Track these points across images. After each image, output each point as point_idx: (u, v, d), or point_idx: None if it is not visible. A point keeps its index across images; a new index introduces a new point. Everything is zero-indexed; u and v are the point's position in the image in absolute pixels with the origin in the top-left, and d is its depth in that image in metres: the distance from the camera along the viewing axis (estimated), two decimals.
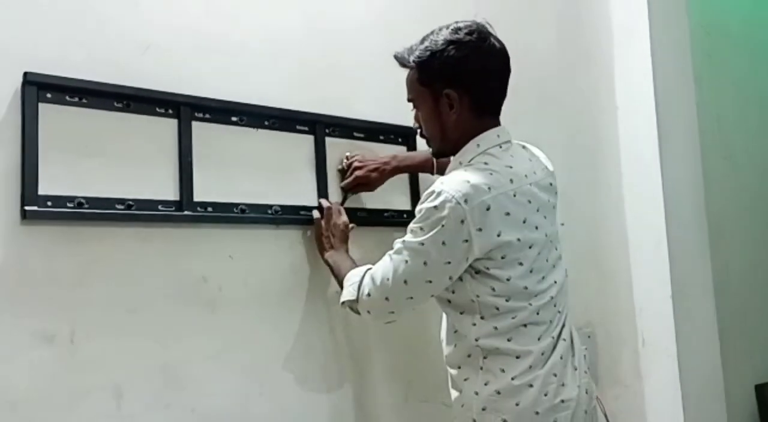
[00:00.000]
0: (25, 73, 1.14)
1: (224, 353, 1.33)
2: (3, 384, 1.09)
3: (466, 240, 1.15)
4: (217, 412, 1.31)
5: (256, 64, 1.44)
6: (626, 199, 2.11)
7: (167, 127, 1.31)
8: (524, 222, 1.21)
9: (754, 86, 2.52)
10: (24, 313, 1.12)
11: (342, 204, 1.50)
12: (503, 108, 1.31)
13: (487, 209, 1.15)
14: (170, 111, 1.31)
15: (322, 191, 1.51)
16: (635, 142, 2.08)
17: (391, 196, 1.61)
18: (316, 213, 1.45)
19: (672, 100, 2.07)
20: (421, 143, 1.41)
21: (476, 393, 1.22)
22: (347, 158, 1.54)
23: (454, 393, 1.28)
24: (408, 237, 1.22)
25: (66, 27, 1.21)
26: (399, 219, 1.60)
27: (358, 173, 1.52)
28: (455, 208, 1.14)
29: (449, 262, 1.17)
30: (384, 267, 1.24)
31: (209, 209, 1.33)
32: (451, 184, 1.17)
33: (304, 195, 1.48)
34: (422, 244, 1.18)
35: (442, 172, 1.36)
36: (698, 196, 2.09)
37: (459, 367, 1.26)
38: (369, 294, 1.25)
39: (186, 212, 1.30)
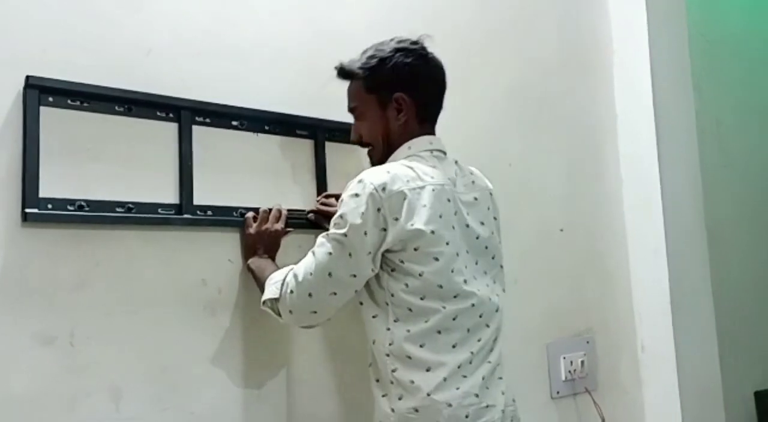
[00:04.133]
0: (27, 77, 1.15)
1: (223, 356, 1.33)
2: (3, 385, 1.09)
3: (384, 229, 1.16)
4: (215, 415, 1.31)
5: (256, 68, 1.45)
6: (626, 205, 2.12)
7: (168, 130, 1.32)
8: (440, 216, 1.19)
9: (753, 93, 2.53)
10: (24, 315, 1.13)
11: (290, 218, 1.42)
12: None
13: (404, 199, 1.16)
14: (171, 115, 1.32)
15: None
16: (635, 149, 2.09)
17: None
18: (249, 214, 1.37)
19: (671, 107, 2.08)
20: None
21: (392, 410, 1.18)
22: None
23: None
24: (332, 229, 1.20)
25: (68, 31, 1.22)
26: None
27: (323, 209, 1.46)
28: (372, 195, 1.15)
29: (369, 252, 1.16)
30: (306, 262, 1.20)
31: (209, 213, 1.34)
32: (370, 174, 1.19)
33: (304, 199, 1.49)
34: (345, 235, 1.16)
35: None
36: (697, 203, 2.09)
37: (377, 380, 1.23)
38: (291, 292, 1.19)
39: (186, 215, 1.31)
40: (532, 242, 1.89)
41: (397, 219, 1.15)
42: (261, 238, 1.35)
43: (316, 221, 1.46)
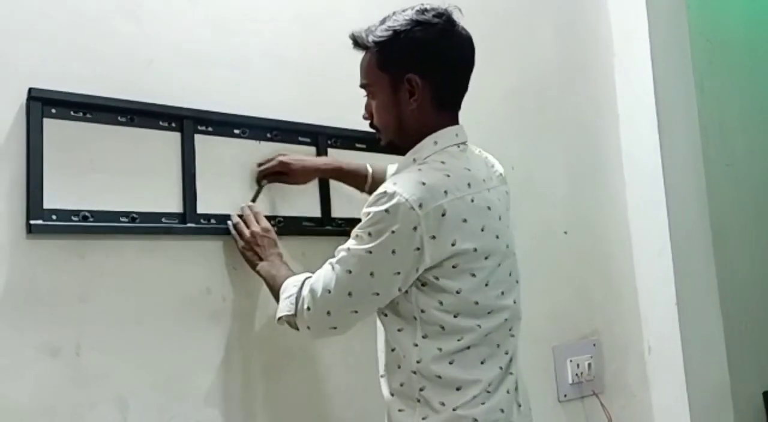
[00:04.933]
0: (30, 89, 1.16)
1: (228, 364, 1.33)
2: (9, 397, 1.10)
3: (418, 249, 1.04)
4: None
5: (257, 76, 1.45)
6: (629, 206, 2.11)
7: (170, 140, 1.32)
8: (482, 230, 1.09)
9: (756, 93, 2.52)
10: (29, 326, 1.13)
11: (254, 199, 1.37)
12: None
13: (443, 215, 1.04)
14: (173, 124, 1.32)
15: (325, 202, 1.52)
16: (637, 150, 2.09)
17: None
18: (231, 229, 1.32)
19: (673, 107, 2.08)
20: None
21: None
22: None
23: None
24: (352, 243, 1.09)
25: (70, 43, 1.23)
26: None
27: (281, 158, 1.38)
28: (408, 214, 1.03)
29: (398, 272, 1.06)
30: (325, 277, 1.11)
31: (212, 221, 1.34)
32: (404, 186, 1.05)
33: (307, 206, 1.49)
34: (369, 252, 1.06)
35: (373, 191, 1.15)
36: (701, 203, 2.09)
37: (392, 395, 1.14)
38: (308, 308, 1.12)
39: (189, 224, 1.31)
40: (536, 245, 1.88)
41: (434, 237, 1.04)
42: (255, 243, 1.30)
43: (273, 181, 1.40)
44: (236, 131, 1.41)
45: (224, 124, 1.39)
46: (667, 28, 2.10)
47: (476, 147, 1.28)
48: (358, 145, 1.58)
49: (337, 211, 1.51)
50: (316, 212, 1.51)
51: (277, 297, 1.21)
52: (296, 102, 1.49)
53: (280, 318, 1.18)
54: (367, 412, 1.42)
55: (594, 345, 1.97)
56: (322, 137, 1.52)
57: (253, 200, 1.39)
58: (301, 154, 1.44)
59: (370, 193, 1.37)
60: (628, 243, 2.09)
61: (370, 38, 1.15)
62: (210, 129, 1.37)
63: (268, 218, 1.39)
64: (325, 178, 1.48)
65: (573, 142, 2.05)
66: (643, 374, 2.04)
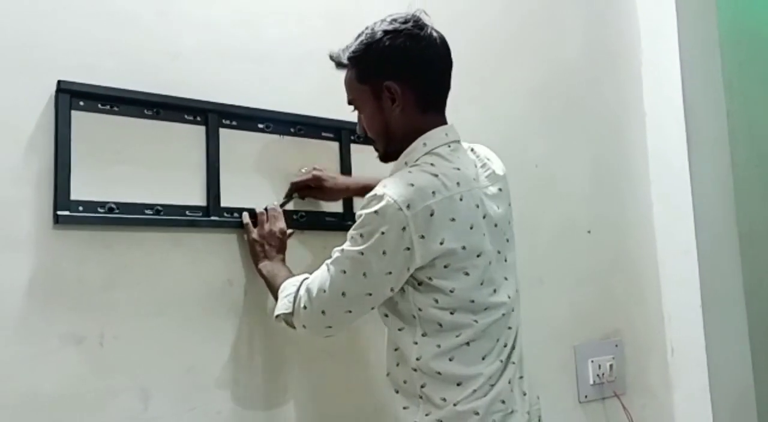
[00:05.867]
0: (59, 82, 1.18)
1: (249, 355, 1.34)
2: (33, 384, 1.12)
3: (408, 249, 1.07)
4: (242, 415, 1.32)
5: (282, 71, 1.46)
6: (655, 206, 2.09)
7: (195, 134, 1.33)
8: (471, 228, 1.12)
9: None
10: (55, 316, 1.15)
11: (284, 204, 1.40)
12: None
13: (431, 215, 1.07)
14: (198, 118, 1.34)
15: (348, 198, 1.52)
16: (664, 149, 2.06)
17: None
18: (246, 218, 1.34)
19: (702, 106, 2.05)
20: None
21: None
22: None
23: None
24: (347, 245, 1.13)
25: (98, 36, 1.25)
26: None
27: (316, 173, 1.42)
28: (396, 214, 1.06)
29: (390, 272, 1.09)
30: (321, 278, 1.15)
31: (235, 214, 1.35)
32: (393, 188, 1.09)
33: (330, 202, 1.49)
34: (362, 254, 1.09)
35: None
36: (728, 203, 2.06)
37: (397, 392, 1.18)
38: (305, 307, 1.16)
39: (213, 217, 1.32)
40: (559, 243, 1.87)
41: (423, 237, 1.07)
42: (266, 240, 1.32)
43: (304, 196, 1.43)
44: (260, 125, 1.42)
45: (248, 118, 1.40)
46: (696, 25, 2.07)
47: (473, 144, 1.28)
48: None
49: (359, 207, 1.51)
50: (338, 207, 1.51)
51: (275, 296, 1.24)
52: (320, 97, 1.49)
53: (277, 316, 1.21)
54: (387, 407, 1.42)
55: (616, 345, 1.95)
56: (345, 133, 1.52)
57: (282, 205, 1.40)
58: (333, 172, 1.47)
59: None
60: (653, 243, 2.07)
61: (346, 55, 1.20)
62: (234, 123, 1.38)
63: (291, 212, 1.40)
64: (351, 196, 1.50)
65: (598, 140, 2.03)
66: (666, 376, 2.01)
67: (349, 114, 1.50)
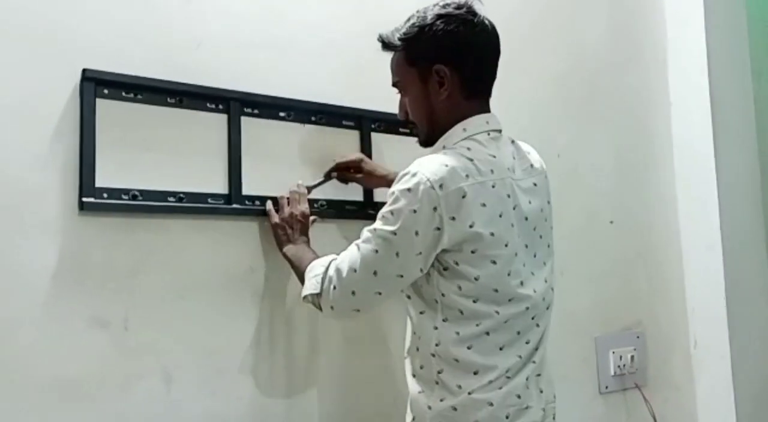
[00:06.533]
0: (84, 70, 1.19)
1: (270, 341, 1.36)
2: (60, 367, 1.14)
3: (438, 228, 1.07)
4: (262, 401, 1.34)
5: (303, 59, 1.46)
6: (679, 198, 2.06)
7: (217, 122, 1.35)
8: (500, 216, 1.11)
9: None
10: (81, 300, 1.17)
11: (315, 186, 1.41)
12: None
13: (463, 197, 1.07)
14: (220, 106, 1.35)
15: (369, 189, 1.52)
16: (689, 140, 2.03)
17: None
18: (269, 205, 1.35)
19: (728, 95, 2.01)
20: None
21: (429, 408, 1.14)
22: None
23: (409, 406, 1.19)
24: (378, 224, 1.12)
25: (122, 24, 1.26)
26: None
27: (360, 155, 1.46)
28: (428, 193, 1.06)
29: (420, 252, 1.09)
30: (351, 257, 1.14)
31: (257, 202, 1.36)
32: (427, 166, 1.08)
33: (349, 190, 1.50)
34: (394, 234, 1.09)
35: None
36: (755, 197, 2.02)
37: (414, 375, 1.18)
38: (334, 287, 1.14)
39: (234, 205, 1.33)
40: (581, 234, 1.86)
41: (453, 218, 1.07)
42: (288, 224, 1.32)
43: (340, 179, 1.45)
44: (281, 114, 1.43)
45: (270, 107, 1.41)
46: (724, 11, 2.03)
47: (515, 139, 1.27)
48: (402, 130, 1.58)
49: (380, 196, 1.52)
50: (358, 196, 1.52)
51: (301, 279, 1.23)
52: (341, 85, 1.50)
53: (305, 297, 1.21)
54: (406, 395, 1.43)
55: (638, 337, 1.94)
56: (366, 121, 1.53)
57: (312, 187, 1.41)
58: (375, 163, 1.49)
59: None
60: (677, 235, 2.04)
61: (397, 37, 1.20)
62: (256, 111, 1.39)
63: (312, 201, 1.41)
64: (386, 186, 1.46)
65: (622, 131, 2.00)
66: (688, 368, 1.99)
67: (369, 102, 1.51)
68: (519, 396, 1.13)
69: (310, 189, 1.40)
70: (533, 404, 1.15)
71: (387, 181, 1.46)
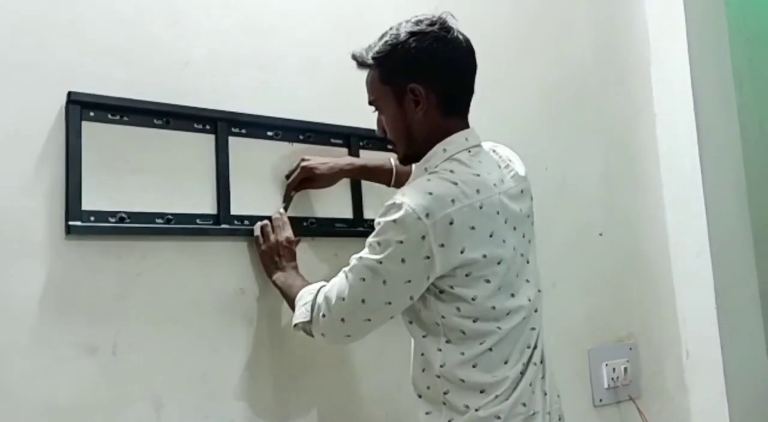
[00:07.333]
0: (69, 93, 1.18)
1: (262, 363, 1.34)
2: (47, 394, 1.12)
3: (428, 257, 1.06)
4: None
5: (290, 78, 1.46)
6: (667, 207, 2.08)
7: (205, 142, 1.34)
8: (491, 236, 1.10)
9: None
10: (68, 326, 1.15)
11: (286, 208, 1.39)
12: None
13: (450, 223, 1.06)
14: (207, 127, 1.34)
15: (357, 203, 1.52)
16: (675, 149, 2.05)
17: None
18: (257, 231, 1.34)
19: (712, 106, 2.03)
20: None
21: None
22: None
23: None
24: (365, 252, 1.11)
25: (107, 46, 1.25)
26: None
27: (304, 164, 1.39)
28: (416, 224, 1.05)
29: (409, 281, 1.08)
30: (339, 285, 1.13)
31: (246, 222, 1.35)
32: (412, 196, 1.07)
33: (339, 207, 1.49)
34: (380, 263, 1.07)
35: (399, 184, 1.27)
36: (741, 203, 2.04)
37: (420, 396, 1.17)
38: (324, 316, 1.14)
39: (223, 225, 1.32)
40: (571, 246, 1.86)
41: (443, 245, 1.06)
42: (275, 251, 1.32)
43: (302, 189, 1.42)
44: (269, 133, 1.42)
45: (257, 126, 1.40)
46: (705, 24, 2.06)
47: (496, 145, 1.27)
48: (389, 147, 1.57)
49: (369, 213, 1.51)
50: (348, 213, 1.51)
51: (292, 306, 1.23)
52: (329, 104, 1.50)
53: (296, 325, 1.20)
54: (399, 413, 1.42)
55: (630, 348, 1.94)
56: (354, 138, 1.52)
57: (285, 209, 1.40)
58: (323, 156, 1.44)
59: (396, 186, 1.40)
60: (666, 244, 2.06)
61: (370, 55, 1.18)
62: (243, 131, 1.38)
63: (301, 219, 1.40)
64: (349, 177, 1.49)
65: (608, 142, 2.02)
66: (681, 379, 2.00)
67: (357, 120, 1.51)
68: (525, 404, 1.13)
69: (286, 209, 1.39)
70: (539, 409, 1.15)
71: (350, 173, 1.45)
